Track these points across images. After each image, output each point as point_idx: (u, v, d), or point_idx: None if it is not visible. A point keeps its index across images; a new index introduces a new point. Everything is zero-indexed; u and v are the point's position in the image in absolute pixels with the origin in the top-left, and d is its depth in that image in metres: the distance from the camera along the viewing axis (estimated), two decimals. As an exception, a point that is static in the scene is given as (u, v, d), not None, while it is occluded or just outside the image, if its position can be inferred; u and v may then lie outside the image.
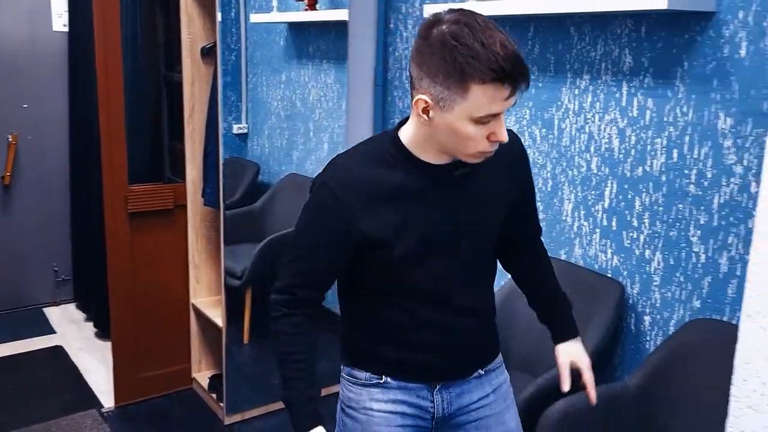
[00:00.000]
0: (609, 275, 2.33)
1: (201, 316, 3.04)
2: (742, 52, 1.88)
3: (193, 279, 3.03)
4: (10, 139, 3.78)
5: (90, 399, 2.98)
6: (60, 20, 3.87)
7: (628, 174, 2.24)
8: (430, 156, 1.31)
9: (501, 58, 1.13)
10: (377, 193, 1.29)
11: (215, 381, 2.96)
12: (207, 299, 3.08)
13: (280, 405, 2.94)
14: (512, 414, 1.56)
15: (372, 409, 1.46)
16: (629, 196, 2.24)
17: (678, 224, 2.10)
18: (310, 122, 3.31)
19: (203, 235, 3.02)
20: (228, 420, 2.83)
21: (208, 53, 2.87)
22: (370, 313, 1.45)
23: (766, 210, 1.12)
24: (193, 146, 2.91)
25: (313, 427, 1.37)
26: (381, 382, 1.46)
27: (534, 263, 1.66)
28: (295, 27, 3.27)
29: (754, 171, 1.90)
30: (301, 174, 3.30)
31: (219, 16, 2.62)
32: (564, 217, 2.49)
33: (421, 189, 1.32)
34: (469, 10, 1.20)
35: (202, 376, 3.09)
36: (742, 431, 1.19)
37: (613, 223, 2.31)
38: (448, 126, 1.22)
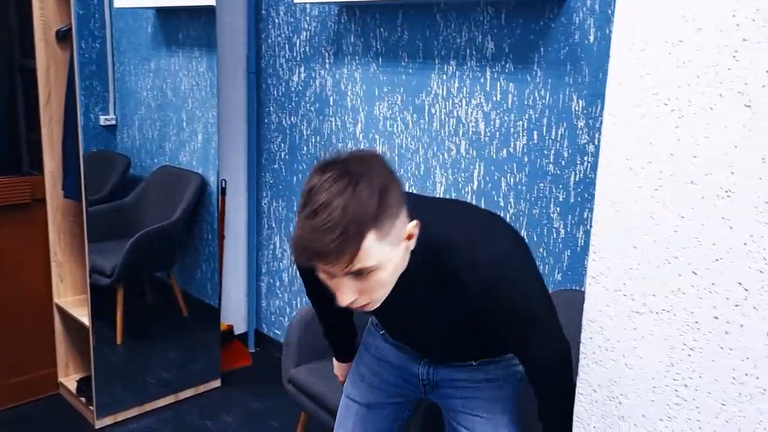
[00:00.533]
0: (479, 254, 2.41)
1: (66, 317, 2.86)
2: (591, 38, 2.00)
3: (56, 277, 2.84)
4: None
5: (-59, 412, 2.74)
6: None
7: (494, 156, 2.33)
8: None
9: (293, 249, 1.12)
10: None
11: (83, 384, 2.80)
12: (73, 298, 2.90)
13: (155, 404, 2.84)
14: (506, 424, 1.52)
15: (375, 345, 1.66)
16: (496, 178, 2.34)
17: (540, 202, 2.21)
18: (182, 112, 3.20)
19: (66, 230, 2.84)
20: (99, 423, 2.68)
21: (64, 37, 2.70)
22: None
23: (603, 180, 1.20)
24: (50, 136, 2.73)
25: None
26: (384, 333, 1.65)
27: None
28: (163, 12, 3.14)
29: (604, 149, 2.03)
30: (174, 165, 3.18)
31: (75, -3, 2.47)
32: (436, 200, 2.55)
33: None
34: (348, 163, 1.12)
35: (70, 380, 2.91)
36: (590, 385, 1.27)
37: (482, 204, 2.40)
38: None
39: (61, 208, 2.81)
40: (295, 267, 3.24)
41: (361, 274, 1.12)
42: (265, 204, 3.37)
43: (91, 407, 2.69)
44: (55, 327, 2.88)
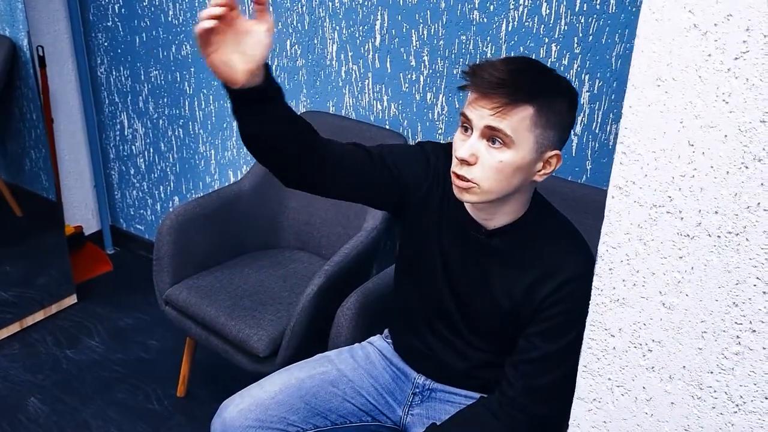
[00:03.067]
0: (387, 127, 1.99)
1: None
2: None
3: None
4: None
5: None
6: None
7: (401, 2, 1.83)
8: None
9: (478, 63, 1.10)
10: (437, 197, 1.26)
11: None
12: None
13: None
14: None
15: (380, 346, 1.46)
16: (404, 30, 1.86)
17: (462, 59, 1.79)
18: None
19: None
20: None
21: None
22: None
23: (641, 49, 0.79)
24: None
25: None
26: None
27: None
28: None
29: (548, -11, 1.60)
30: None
31: None
32: (329, 62, 2.05)
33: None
34: None
35: None
36: (606, 328, 0.95)
37: (387, 65, 1.93)
38: None
39: None
40: (150, 151, 2.65)
41: (494, 135, 1.08)
42: (101, 73, 2.67)
43: None
44: None
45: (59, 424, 1.97)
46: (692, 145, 0.79)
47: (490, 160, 1.09)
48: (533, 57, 1.59)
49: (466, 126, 1.11)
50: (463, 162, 1.10)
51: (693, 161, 0.79)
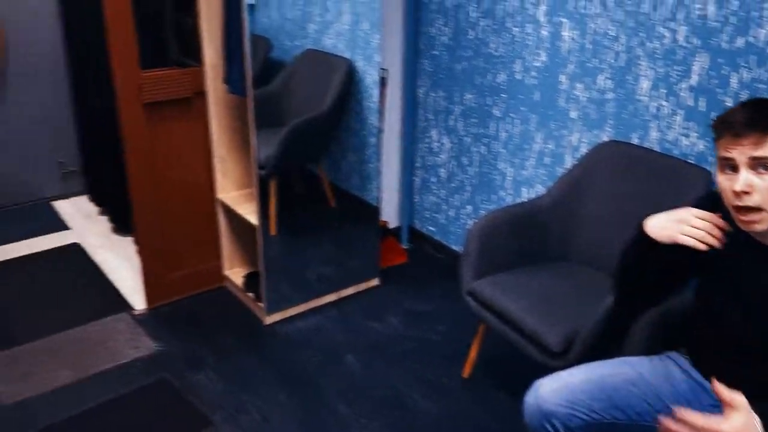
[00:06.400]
0: (692, 161, 2.10)
1: (229, 212, 2.83)
2: None
3: (219, 172, 2.78)
4: (-4, 23, 3.38)
5: (118, 302, 2.83)
6: None
7: (723, 45, 1.95)
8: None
9: (724, 113, 1.32)
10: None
11: (251, 279, 2.81)
12: (234, 194, 2.85)
13: (319, 301, 2.82)
14: None
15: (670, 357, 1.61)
16: (723, 72, 1.97)
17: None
18: (328, -10, 2.93)
19: (225, 124, 2.74)
20: (269, 320, 2.70)
21: None
22: None
23: None
24: (209, 24, 2.56)
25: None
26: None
27: None
28: None
29: None
30: (318, 49, 2.97)
31: None
32: (639, 97, 2.22)
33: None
34: None
35: (234, 273, 2.93)
36: None
37: (702, 104, 2.05)
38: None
39: (221, 100, 2.69)
40: (452, 163, 3.03)
41: (759, 163, 1.26)
42: (421, 93, 3.12)
43: (260, 304, 2.70)
44: (219, 222, 2.86)
45: (372, 380, 2.38)
46: None
47: (762, 184, 1.27)
48: None
49: (730, 165, 1.30)
50: (742, 194, 1.28)
51: None
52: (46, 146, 3.77)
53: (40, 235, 3.42)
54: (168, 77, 2.55)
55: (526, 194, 2.73)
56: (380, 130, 2.97)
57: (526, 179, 2.71)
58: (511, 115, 2.70)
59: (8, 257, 3.19)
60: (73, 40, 3.55)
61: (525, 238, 2.31)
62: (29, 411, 2.19)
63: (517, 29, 2.57)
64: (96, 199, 3.78)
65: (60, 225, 3.56)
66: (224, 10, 2.51)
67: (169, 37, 2.90)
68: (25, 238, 3.37)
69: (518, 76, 2.62)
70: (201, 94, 2.64)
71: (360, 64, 2.83)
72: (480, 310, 2.20)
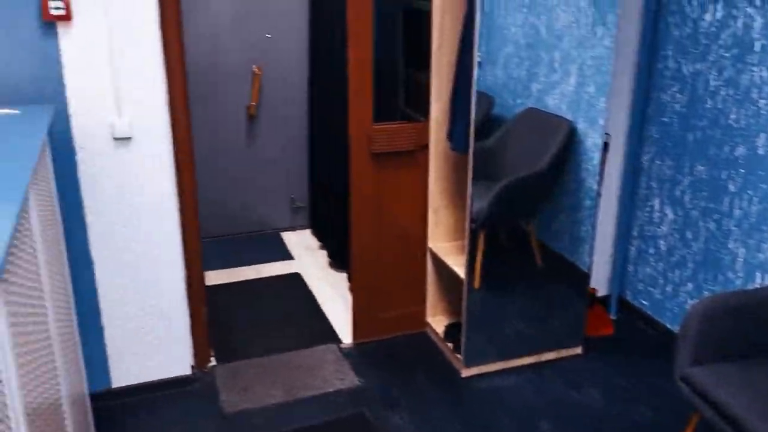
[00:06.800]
0: None
1: (437, 261, 2.92)
2: None
3: (432, 222, 2.90)
4: (256, 71, 3.87)
5: (328, 333, 3.04)
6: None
7: None
8: None
9: None
10: None
11: (451, 329, 2.86)
12: (443, 244, 2.95)
13: (517, 362, 2.78)
14: None
15: None
16: None
17: None
18: (555, 51, 2.94)
19: (441, 176, 2.86)
20: (465, 372, 2.72)
21: (459, -21, 2.61)
22: None
23: None
24: (440, 82, 2.72)
25: None
26: None
27: None
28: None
29: None
30: (540, 109, 2.98)
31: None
32: None
33: None
34: None
35: (436, 321, 3.01)
36: None
37: None
38: None
39: (441, 153, 2.82)
40: (674, 236, 2.85)
41: None
42: (645, 160, 2.99)
43: (458, 355, 2.74)
44: (427, 270, 2.97)
45: (561, 452, 2.30)
46: None
47: None
48: None
49: None
50: None
51: None
52: (283, 183, 4.20)
53: (268, 261, 3.80)
54: (397, 131, 2.73)
55: (759, 280, 2.48)
56: (598, 194, 2.90)
57: (762, 263, 2.46)
58: (749, 191, 2.49)
59: (239, 279, 3.58)
60: (316, 85, 3.94)
61: (754, 327, 2.10)
62: (246, 423, 2.43)
63: (764, 101, 2.39)
64: (318, 234, 4.12)
65: (286, 254, 3.92)
66: (456, 68, 2.64)
67: (400, 92, 3.12)
68: (256, 263, 3.76)
69: (761, 151, 2.41)
70: (424, 147, 2.79)
71: (582, 126, 2.79)
72: (694, 397, 2.03)
